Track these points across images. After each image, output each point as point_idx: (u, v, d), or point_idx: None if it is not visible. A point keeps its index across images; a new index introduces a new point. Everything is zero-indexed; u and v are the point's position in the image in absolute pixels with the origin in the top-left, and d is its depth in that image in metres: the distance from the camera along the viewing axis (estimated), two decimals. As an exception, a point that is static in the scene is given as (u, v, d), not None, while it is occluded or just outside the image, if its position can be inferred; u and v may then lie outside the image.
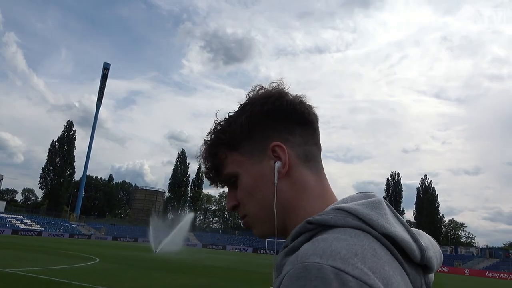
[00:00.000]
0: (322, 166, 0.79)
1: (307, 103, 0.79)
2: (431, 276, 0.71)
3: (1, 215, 58.46)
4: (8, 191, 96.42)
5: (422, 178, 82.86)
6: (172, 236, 39.42)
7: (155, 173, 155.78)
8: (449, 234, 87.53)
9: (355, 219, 0.61)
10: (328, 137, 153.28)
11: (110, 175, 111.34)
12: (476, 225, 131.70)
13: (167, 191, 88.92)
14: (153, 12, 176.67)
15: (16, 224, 56.27)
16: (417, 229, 0.71)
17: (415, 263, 0.63)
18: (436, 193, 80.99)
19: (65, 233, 58.31)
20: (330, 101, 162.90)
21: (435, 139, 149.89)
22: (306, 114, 0.78)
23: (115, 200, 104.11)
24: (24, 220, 59.61)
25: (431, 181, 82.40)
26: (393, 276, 0.54)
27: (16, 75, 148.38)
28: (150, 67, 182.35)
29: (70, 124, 78.95)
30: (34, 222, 60.37)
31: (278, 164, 0.73)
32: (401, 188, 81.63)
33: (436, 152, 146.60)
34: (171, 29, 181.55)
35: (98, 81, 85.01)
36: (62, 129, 77.39)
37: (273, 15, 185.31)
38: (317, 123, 0.80)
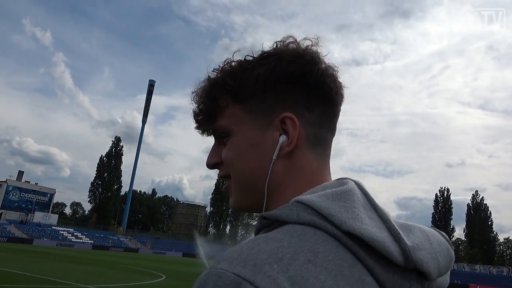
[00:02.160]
0: (330, 152, 0.68)
1: (339, 79, 0.67)
2: (441, 281, 0.59)
3: (54, 227, 60.89)
4: (57, 204, 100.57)
5: (473, 194, 78.81)
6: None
7: (194, 187, 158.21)
8: (504, 254, 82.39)
9: (311, 214, 0.52)
10: (366, 151, 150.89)
11: (153, 190, 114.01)
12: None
13: (208, 205, 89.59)
14: (191, 29, 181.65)
15: (68, 237, 58.26)
16: (409, 224, 0.59)
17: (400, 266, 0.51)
18: (489, 210, 76.75)
19: (113, 246, 59.68)
20: (369, 114, 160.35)
21: (481, 152, 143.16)
22: (333, 92, 0.66)
23: (158, 214, 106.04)
24: (74, 233, 61.61)
25: (482, 197, 78.13)
26: (330, 286, 0.44)
27: (64, 92, 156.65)
28: (188, 83, 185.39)
29: (117, 140, 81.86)
30: (85, 235, 62.29)
31: (283, 139, 0.62)
32: (451, 204, 77.74)
33: (482, 166, 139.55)
34: (209, 45, 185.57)
35: (139, 97, 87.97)
36: (110, 145, 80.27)
37: (310, 29, 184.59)
38: (341, 105, 0.69)
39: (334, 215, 0.51)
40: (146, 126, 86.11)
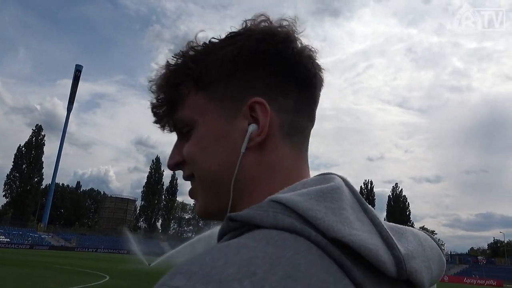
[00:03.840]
0: (308, 143, 0.60)
1: (317, 61, 0.59)
2: None
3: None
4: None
5: (393, 186, 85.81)
6: (182, 249, 35.88)
7: (121, 180, 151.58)
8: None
9: (290, 217, 0.43)
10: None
11: (78, 182, 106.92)
12: (437, 231, 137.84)
13: (139, 199, 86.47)
14: (119, 12, 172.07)
15: (-20, 235, 52.49)
16: (400, 227, 0.52)
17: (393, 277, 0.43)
18: (407, 201, 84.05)
19: (35, 244, 54.97)
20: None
21: (398, 147, 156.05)
22: (311, 74, 0.58)
23: (82, 209, 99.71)
24: (-13, 231, 55.70)
25: (401, 189, 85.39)
26: None
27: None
28: (116, 69, 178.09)
29: (38, 129, 75.16)
30: None
31: (252, 127, 0.54)
32: (374, 196, 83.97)
33: (399, 160, 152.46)
34: (139, 31, 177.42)
35: (59, 82, 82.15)
36: (29, 133, 73.61)
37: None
38: (320, 90, 0.61)
39: (320, 219, 0.42)
40: (63, 112, 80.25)
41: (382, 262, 0.41)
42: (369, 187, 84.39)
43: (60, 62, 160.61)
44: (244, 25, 0.58)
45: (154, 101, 0.60)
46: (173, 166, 0.59)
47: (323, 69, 0.60)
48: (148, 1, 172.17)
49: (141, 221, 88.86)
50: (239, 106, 0.55)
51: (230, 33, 0.57)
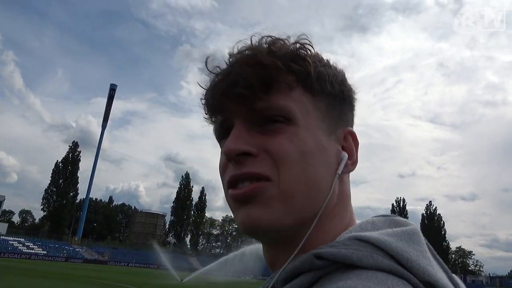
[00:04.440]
0: None
1: None
2: None
3: (3, 237, 56.56)
4: (5, 212, 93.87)
5: (427, 204, 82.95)
6: (215, 265, 35.10)
7: (150, 195, 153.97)
8: (456, 262, 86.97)
9: (386, 258, 0.41)
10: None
11: (110, 197, 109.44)
12: (474, 252, 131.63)
13: (169, 214, 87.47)
14: (150, 33, 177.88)
15: (19, 247, 54.40)
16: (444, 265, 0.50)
17: None
18: (442, 219, 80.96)
19: (69, 257, 56.46)
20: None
21: (431, 164, 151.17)
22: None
23: (114, 223, 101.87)
24: (26, 243, 57.68)
25: (436, 207, 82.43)
26: None
27: (13, 93, 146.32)
28: (147, 88, 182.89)
29: (75, 145, 78.03)
30: (37, 245, 58.47)
31: (345, 155, 0.53)
32: (407, 214, 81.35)
33: (432, 178, 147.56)
34: (169, 51, 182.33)
35: (94, 100, 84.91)
36: (64, 149, 76.62)
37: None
38: None
39: (415, 261, 0.41)
40: (97, 129, 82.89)
41: None
42: (401, 204, 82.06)
43: (94, 81, 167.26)
44: (310, 50, 0.55)
45: (250, 71, 0.50)
46: (237, 154, 0.50)
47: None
48: (178, 22, 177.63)
49: (170, 236, 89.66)
50: (335, 129, 0.53)
51: (324, 59, 0.56)
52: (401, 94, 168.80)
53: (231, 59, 0.53)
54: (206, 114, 0.56)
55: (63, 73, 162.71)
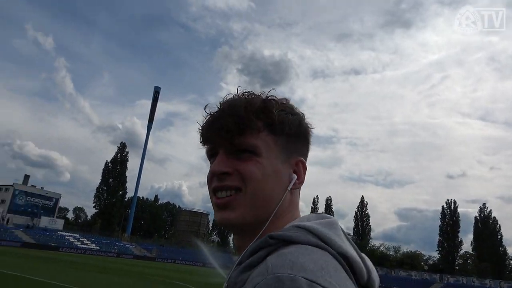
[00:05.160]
0: None
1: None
2: None
3: (60, 233, 60.11)
4: (60, 209, 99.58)
5: (480, 207, 78.21)
6: None
7: (193, 194, 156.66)
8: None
9: (314, 237, 0.65)
10: (366, 160, 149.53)
11: (156, 196, 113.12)
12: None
13: (212, 213, 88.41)
14: (191, 36, 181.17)
15: (74, 243, 57.43)
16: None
17: (361, 285, 0.66)
18: (498, 223, 76.28)
19: (120, 253, 58.87)
20: (368, 123, 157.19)
21: (482, 164, 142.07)
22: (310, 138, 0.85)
23: (160, 221, 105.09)
24: (80, 239, 60.79)
25: (490, 210, 77.74)
26: None
27: (65, 97, 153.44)
28: (188, 90, 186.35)
29: (123, 146, 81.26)
30: (91, 241, 61.46)
31: (295, 176, 0.78)
32: (458, 217, 77.43)
33: (484, 178, 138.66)
34: (208, 53, 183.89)
35: (138, 103, 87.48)
36: (112, 150, 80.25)
37: (310, 38, 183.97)
38: None
39: (333, 239, 0.65)
40: (141, 130, 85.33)
41: (363, 272, 0.66)
42: (452, 207, 78.00)
43: (138, 84, 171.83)
44: (284, 102, 0.82)
45: (230, 119, 0.75)
46: (221, 173, 0.75)
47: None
48: (217, 24, 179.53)
49: (214, 235, 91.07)
50: (290, 158, 0.78)
51: (287, 106, 0.81)
52: (448, 91, 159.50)
53: (221, 106, 0.79)
54: (200, 141, 0.82)
55: (109, 77, 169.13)
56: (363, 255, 0.73)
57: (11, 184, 65.71)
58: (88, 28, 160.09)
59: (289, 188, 0.76)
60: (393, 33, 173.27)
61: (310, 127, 0.83)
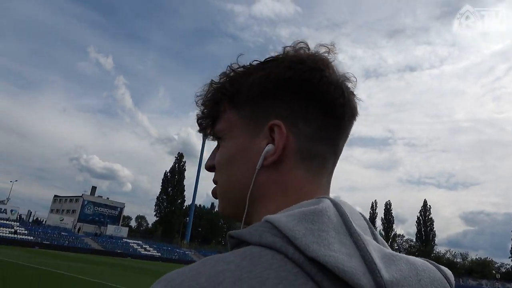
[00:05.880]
0: (329, 170, 0.61)
1: (351, 89, 0.62)
2: None
3: (125, 240, 63.40)
4: (124, 217, 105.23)
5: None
6: None
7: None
8: None
9: (274, 235, 0.46)
10: (426, 162, 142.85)
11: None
12: None
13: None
14: (239, 45, 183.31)
15: (138, 249, 60.27)
16: (396, 254, 0.49)
17: None
18: None
19: (180, 259, 60.84)
20: (427, 122, 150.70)
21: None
22: (338, 103, 0.59)
23: (217, 227, 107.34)
24: (143, 246, 63.66)
25: None
26: None
27: (125, 112, 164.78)
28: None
29: (180, 156, 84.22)
30: (153, 247, 64.16)
31: (269, 147, 0.57)
32: (534, 221, 71.28)
33: None
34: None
35: (192, 114, 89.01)
36: (169, 160, 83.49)
37: (360, 37, 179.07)
38: (351, 120, 0.62)
39: (298, 238, 0.45)
40: (196, 141, 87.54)
41: (359, 285, 0.42)
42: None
43: (191, 95, 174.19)
44: (283, 51, 0.62)
45: (200, 113, 0.68)
46: (208, 168, 0.67)
47: (359, 99, 0.62)
48: (264, 31, 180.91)
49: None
50: (262, 127, 0.59)
51: (267, 58, 0.62)
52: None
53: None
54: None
55: (164, 90, 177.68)
56: (395, 258, 0.48)
57: (80, 195, 70.90)
58: (143, 46, 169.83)
59: (258, 166, 0.57)
60: (451, 25, 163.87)
61: (306, 71, 0.59)
